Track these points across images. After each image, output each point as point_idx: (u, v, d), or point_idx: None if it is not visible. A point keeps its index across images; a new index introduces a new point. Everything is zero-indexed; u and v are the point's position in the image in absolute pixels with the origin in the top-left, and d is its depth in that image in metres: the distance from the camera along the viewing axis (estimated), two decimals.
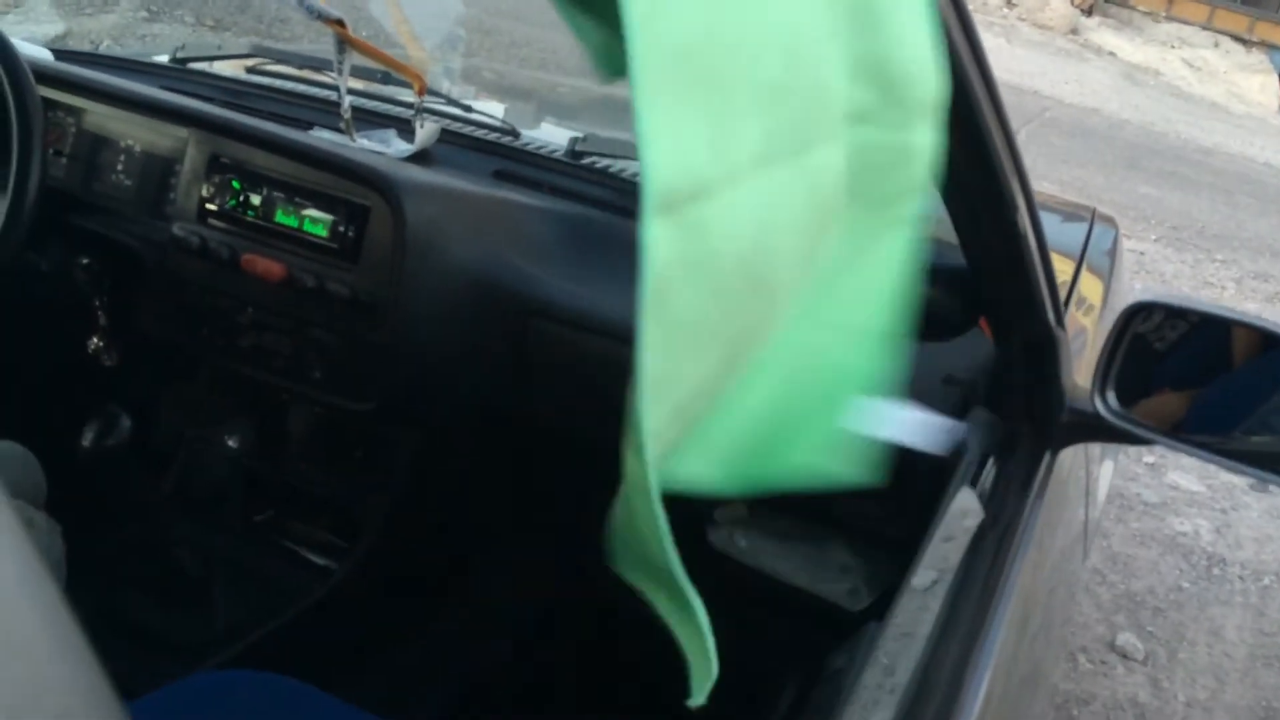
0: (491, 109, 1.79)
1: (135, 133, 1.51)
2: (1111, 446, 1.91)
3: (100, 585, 1.57)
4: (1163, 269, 5.88)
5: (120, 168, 1.53)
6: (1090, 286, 1.84)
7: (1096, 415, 1.09)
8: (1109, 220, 2.21)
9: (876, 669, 0.79)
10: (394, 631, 1.61)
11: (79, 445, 1.64)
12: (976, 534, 0.99)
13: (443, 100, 1.71)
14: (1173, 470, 3.57)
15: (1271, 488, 3.59)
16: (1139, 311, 1.06)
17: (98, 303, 1.54)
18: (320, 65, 1.72)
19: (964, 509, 0.97)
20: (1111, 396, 1.09)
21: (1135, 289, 5.05)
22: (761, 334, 0.58)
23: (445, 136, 1.66)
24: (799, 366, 0.68)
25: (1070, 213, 2.26)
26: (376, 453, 1.60)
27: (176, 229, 1.45)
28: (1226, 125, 11.41)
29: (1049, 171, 7.44)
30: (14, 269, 1.44)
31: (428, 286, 1.37)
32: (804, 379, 0.69)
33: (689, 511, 1.55)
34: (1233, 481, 3.59)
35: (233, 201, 1.43)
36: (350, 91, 1.56)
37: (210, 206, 1.44)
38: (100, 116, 1.54)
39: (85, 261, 1.50)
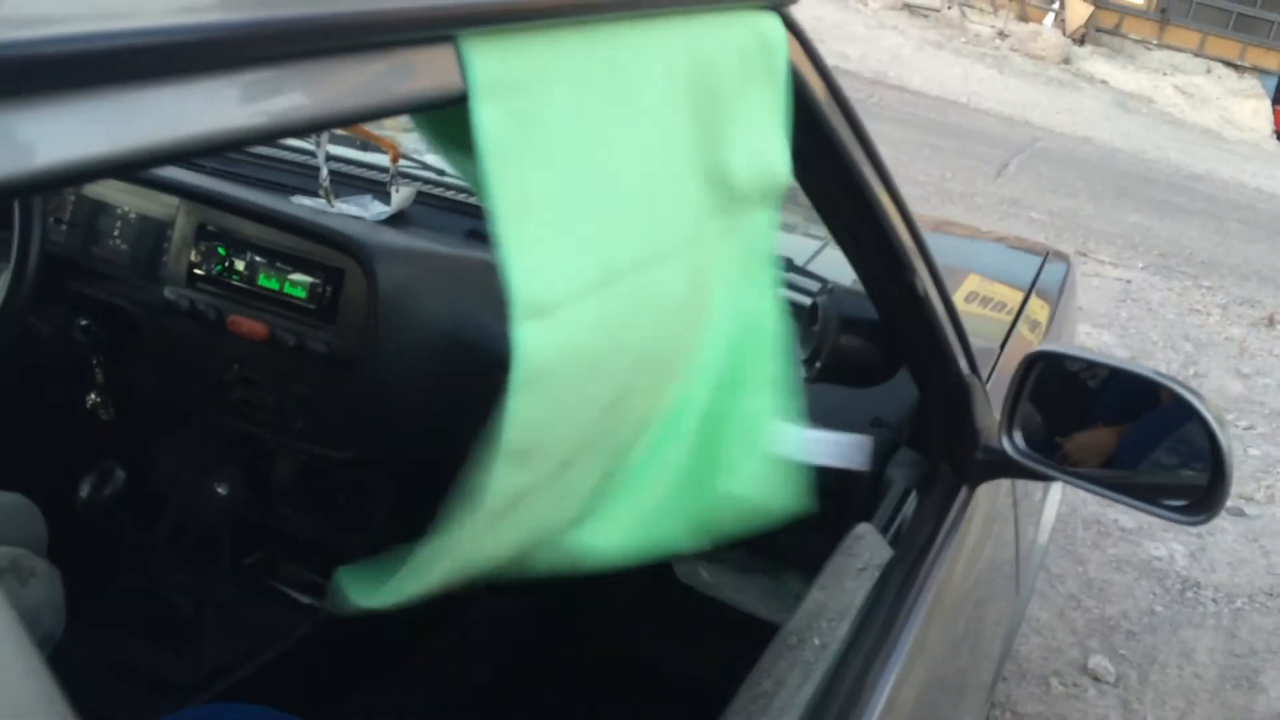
0: None
1: (130, 201, 1.63)
2: None
3: (98, 628, 1.67)
4: (1149, 296, 5.97)
5: (117, 233, 1.64)
6: (1039, 310, 1.95)
7: (1004, 453, 1.19)
8: (1063, 257, 2.32)
9: (775, 680, 0.89)
10: (377, 664, 1.70)
11: (77, 497, 1.74)
12: (891, 560, 1.09)
13: (418, 165, 1.83)
14: None
15: (1248, 510, 3.67)
16: (1036, 360, 1.16)
17: (95, 361, 1.65)
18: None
19: (858, 535, 1.06)
20: (1018, 437, 1.19)
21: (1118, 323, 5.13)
22: (632, 406, 0.68)
23: (421, 199, 1.77)
24: (696, 429, 0.79)
25: (1026, 250, 2.37)
26: (357, 498, 1.70)
27: (168, 292, 1.56)
28: (1219, 151, 11.54)
29: (1038, 201, 7.56)
30: (17, 332, 1.56)
31: (399, 344, 1.48)
32: (704, 439, 0.80)
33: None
34: None
35: (219, 267, 1.54)
36: (330, 159, 1.67)
37: (198, 271, 1.55)
38: (98, 186, 1.66)
39: (84, 323, 1.61)
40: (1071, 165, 9.11)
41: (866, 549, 1.05)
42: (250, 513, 1.75)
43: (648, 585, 1.77)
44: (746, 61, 0.74)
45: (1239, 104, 13.60)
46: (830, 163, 0.95)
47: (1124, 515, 3.51)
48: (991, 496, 1.36)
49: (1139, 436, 1.17)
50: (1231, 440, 1.05)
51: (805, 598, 0.99)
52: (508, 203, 0.53)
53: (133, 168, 0.37)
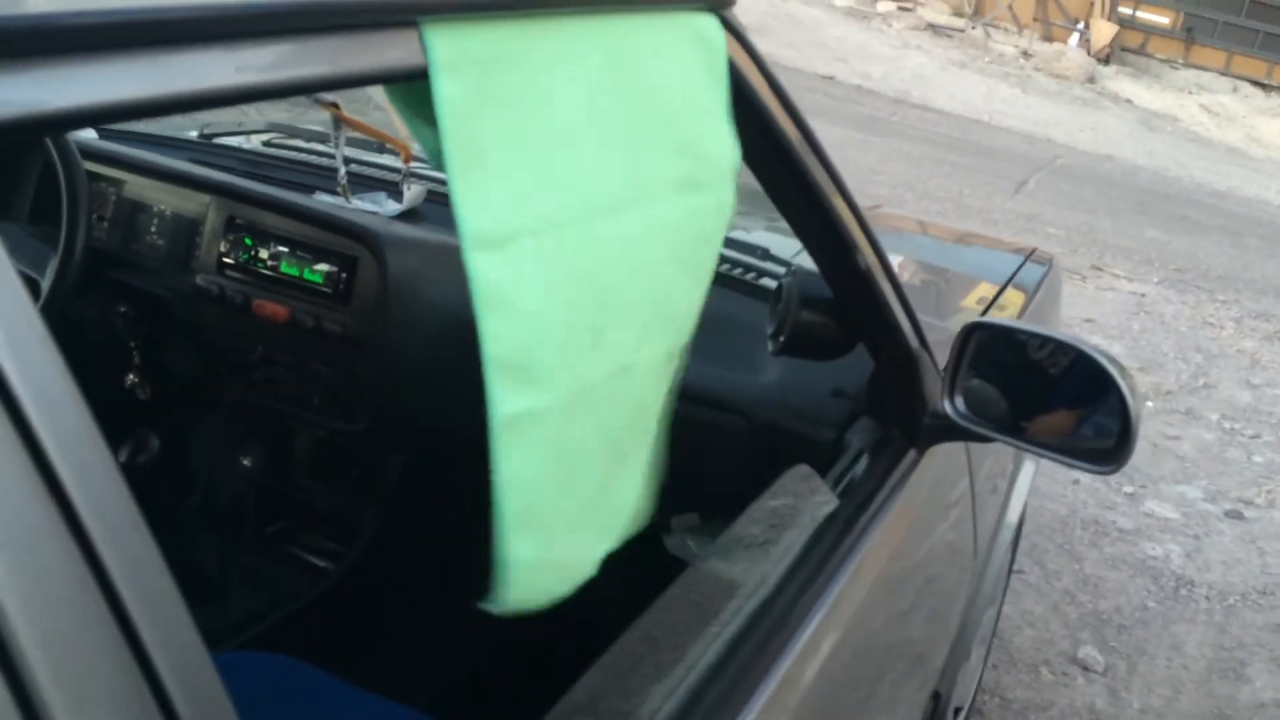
0: None
1: (166, 199, 1.78)
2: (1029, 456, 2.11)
3: None
4: (1162, 310, 6.04)
5: (153, 229, 1.80)
6: (1014, 299, 2.07)
7: (948, 417, 1.32)
8: (1046, 258, 2.43)
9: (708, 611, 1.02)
10: (388, 622, 1.84)
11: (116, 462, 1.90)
12: (835, 509, 1.21)
13: (428, 166, 1.97)
14: (1150, 499, 3.74)
15: (1247, 514, 3.74)
16: (973, 331, 1.28)
17: (133, 344, 1.81)
18: (325, 138, 1.99)
19: (796, 474, 1.19)
20: (959, 401, 1.31)
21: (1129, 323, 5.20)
22: (612, 347, 0.80)
23: (431, 197, 1.92)
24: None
25: (1010, 251, 2.49)
26: (370, 470, 1.84)
27: (199, 280, 1.71)
28: (1243, 169, 11.54)
29: (1056, 217, 7.64)
30: (63, 316, 1.71)
31: (408, 325, 1.62)
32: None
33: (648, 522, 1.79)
34: (1208, 509, 3.75)
35: (245, 256, 1.69)
36: (347, 159, 1.83)
37: (227, 260, 1.70)
38: (137, 186, 1.82)
39: (123, 310, 1.77)
40: (1092, 182, 9.18)
41: (797, 486, 1.17)
42: (273, 484, 1.89)
43: (639, 559, 1.90)
44: (686, 57, 0.88)
45: (1266, 122, 13.60)
46: (773, 151, 1.08)
47: (1123, 517, 3.60)
48: (943, 466, 1.48)
49: (1072, 398, 1.29)
50: (1140, 404, 1.17)
51: (732, 529, 1.11)
52: (460, 157, 0.66)
53: (157, 112, 0.51)
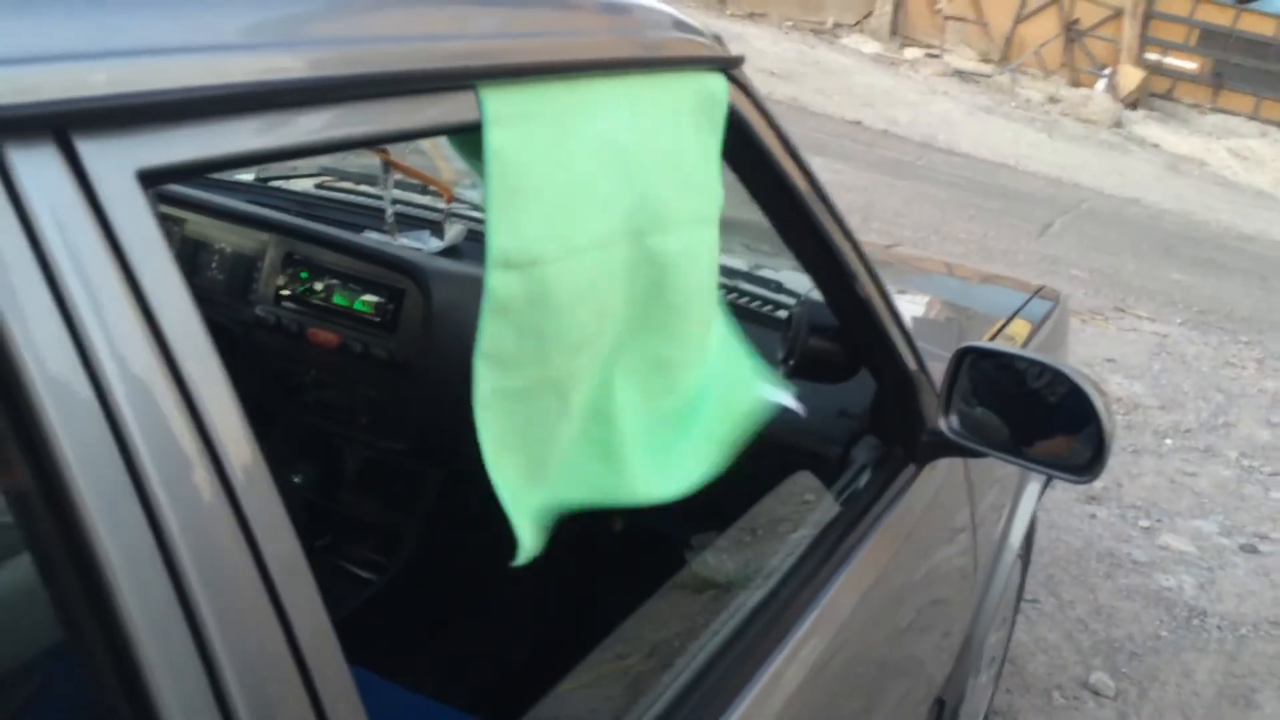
0: None
1: (226, 237, 1.94)
2: (1037, 477, 2.22)
3: None
4: (1184, 350, 6.11)
5: (214, 265, 1.96)
6: (1019, 332, 2.20)
7: (943, 434, 1.44)
8: (1053, 295, 2.55)
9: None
10: (429, 628, 1.97)
11: None
12: (836, 516, 1.34)
13: (468, 206, 2.13)
14: (1166, 533, 3.82)
15: (1261, 547, 3.81)
16: (965, 354, 1.41)
17: None
18: (371, 180, 2.15)
19: (798, 481, 1.31)
20: (954, 419, 1.43)
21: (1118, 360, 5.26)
22: (599, 347, 0.94)
23: (471, 235, 2.08)
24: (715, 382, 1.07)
25: (1016, 287, 2.61)
26: (412, 485, 1.98)
27: (258, 310, 1.87)
28: (1271, 212, 11.56)
29: (1080, 259, 7.72)
30: None
31: (450, 351, 1.76)
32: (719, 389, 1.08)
33: (670, 539, 1.91)
34: (1223, 543, 3.82)
35: (302, 288, 1.84)
36: (394, 200, 1.98)
37: (284, 292, 1.85)
38: (199, 225, 1.98)
39: None
40: (1117, 225, 9.26)
41: (801, 489, 1.30)
42: (320, 499, 2.04)
43: (662, 572, 2.02)
44: (694, 112, 1.03)
45: None
46: (780, 192, 1.22)
47: (1138, 549, 3.67)
48: (943, 480, 1.60)
49: (1054, 415, 1.40)
50: (1115, 421, 1.29)
51: (732, 533, 1.23)
52: (499, 193, 0.80)
53: (271, 159, 0.65)
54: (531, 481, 0.92)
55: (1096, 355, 5.56)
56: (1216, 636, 3.23)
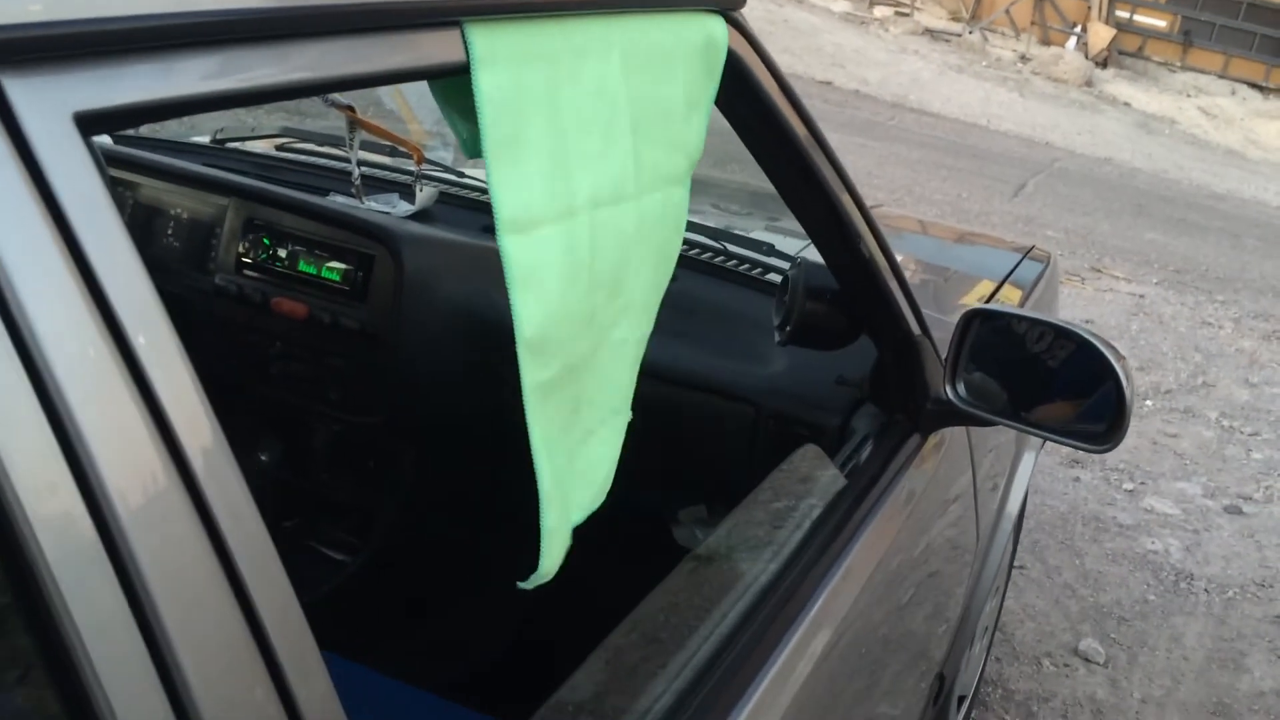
0: (482, 174, 2.10)
1: (182, 203, 1.82)
2: (1033, 445, 2.16)
3: None
4: (1161, 310, 6.08)
5: (170, 232, 1.84)
6: (1011, 295, 2.12)
7: (949, 402, 1.36)
8: (1044, 256, 2.47)
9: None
10: (404, 612, 1.89)
11: None
12: (842, 489, 1.26)
13: (440, 168, 2.02)
14: (1150, 495, 3.78)
15: (1246, 509, 3.78)
16: (974, 317, 1.32)
17: None
18: (338, 142, 2.03)
19: (803, 454, 1.23)
20: (961, 386, 1.35)
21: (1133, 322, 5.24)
22: (596, 323, 0.85)
23: (442, 198, 1.97)
24: None
25: (1009, 249, 2.53)
26: (385, 463, 1.88)
27: (218, 279, 1.76)
28: (1241, 171, 11.59)
29: (1054, 220, 7.68)
30: None
31: (422, 320, 1.67)
32: None
33: (656, 513, 1.82)
34: (1207, 505, 3.79)
35: (264, 255, 1.73)
36: (361, 163, 1.87)
37: (245, 259, 1.74)
38: (154, 190, 1.86)
39: None
40: (1090, 185, 9.23)
41: (808, 464, 1.22)
42: (289, 478, 1.94)
43: (647, 551, 1.94)
44: (691, 56, 0.93)
45: (1263, 124, 13.65)
46: (781, 144, 1.13)
47: (1123, 513, 3.64)
48: (947, 451, 1.52)
49: (1069, 380, 1.33)
50: (1135, 388, 1.21)
51: (740, 509, 1.15)
52: (497, 145, 0.71)
53: (232, 103, 0.55)
54: (568, 491, 0.83)
55: (1074, 316, 5.51)
56: (1204, 600, 3.20)
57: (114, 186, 1.86)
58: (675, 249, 0.97)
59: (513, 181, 0.73)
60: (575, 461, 0.85)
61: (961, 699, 2.24)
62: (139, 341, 0.48)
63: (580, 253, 0.80)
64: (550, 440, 0.80)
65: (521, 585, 0.80)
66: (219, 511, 0.50)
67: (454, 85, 0.71)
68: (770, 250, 1.79)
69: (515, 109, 0.72)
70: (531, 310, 0.75)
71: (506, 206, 0.72)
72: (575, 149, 0.78)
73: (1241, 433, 4.49)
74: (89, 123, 0.48)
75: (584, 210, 0.80)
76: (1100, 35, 14.70)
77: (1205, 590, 3.25)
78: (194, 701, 0.47)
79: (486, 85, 0.69)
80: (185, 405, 0.49)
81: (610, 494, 0.94)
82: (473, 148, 0.74)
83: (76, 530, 0.44)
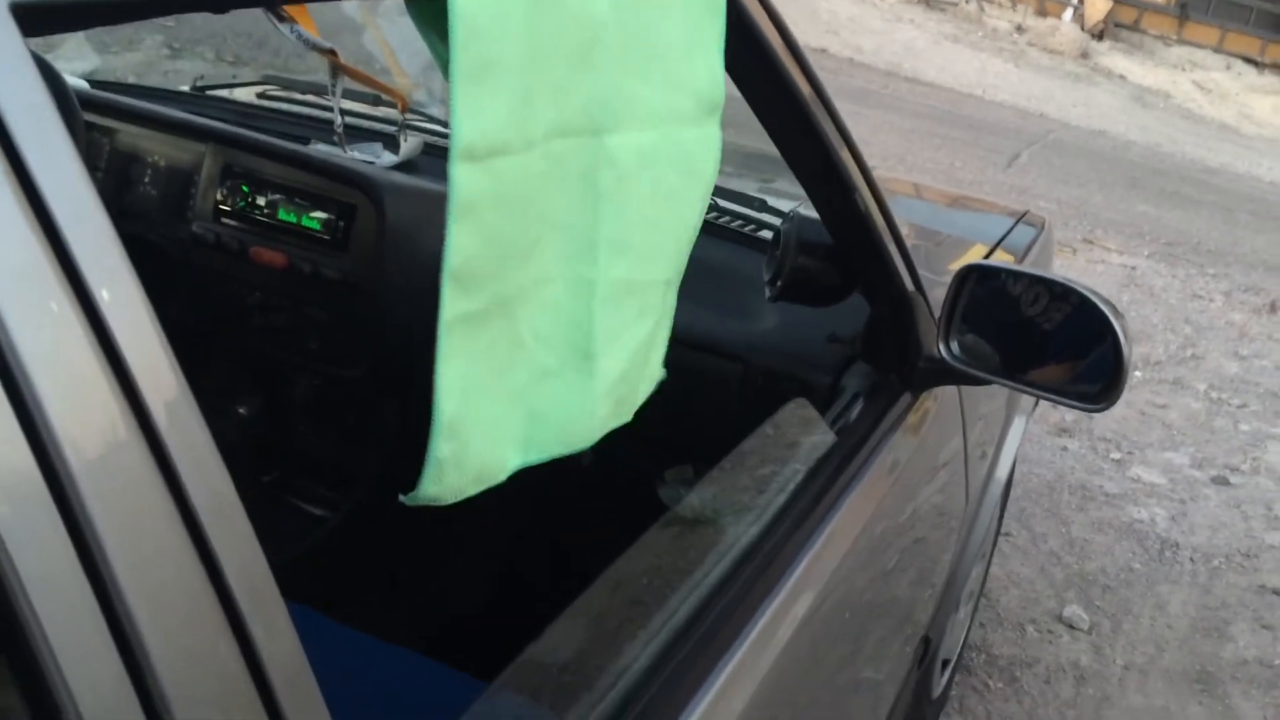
0: None
1: (160, 149, 1.78)
2: (1023, 410, 2.13)
3: None
4: (1152, 282, 6.07)
5: (147, 179, 1.79)
6: (1004, 259, 2.09)
7: (943, 360, 1.33)
8: (1039, 221, 2.44)
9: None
10: (386, 568, 1.86)
11: None
12: (832, 446, 1.23)
13: (425, 118, 1.98)
14: (1137, 465, 3.78)
15: (1232, 480, 3.78)
16: (969, 273, 1.29)
17: None
18: (321, 91, 1.98)
19: (792, 407, 1.20)
20: (954, 344, 1.32)
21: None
22: (540, 262, 0.80)
23: (428, 149, 1.92)
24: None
25: (1003, 213, 2.50)
26: (367, 417, 1.85)
27: (195, 227, 1.71)
28: (1235, 146, 11.56)
29: (1048, 191, 7.65)
30: None
31: (405, 269, 1.63)
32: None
33: (642, 473, 1.79)
34: (1194, 475, 3.79)
35: (242, 203, 1.69)
36: (343, 111, 1.82)
37: (224, 208, 1.70)
38: (131, 136, 1.81)
39: None
40: (1084, 157, 9.19)
41: (797, 419, 1.19)
42: (269, 433, 1.90)
43: (632, 508, 1.91)
44: None
45: (1258, 100, 13.61)
46: (777, 91, 1.09)
47: (1109, 481, 3.63)
48: (938, 411, 1.49)
49: (1065, 339, 1.30)
50: (1132, 346, 1.19)
51: (726, 463, 1.13)
52: (466, 68, 0.67)
53: (189, 7, 0.51)
54: (489, 432, 0.79)
55: None
56: (1189, 569, 3.19)
57: (88, 130, 1.81)
58: (690, 193, 0.92)
59: (477, 108, 0.69)
60: (527, 401, 0.81)
61: (945, 663, 2.23)
62: (88, 267, 0.44)
63: (531, 183, 0.75)
64: (470, 376, 0.75)
65: (402, 499, 0.76)
66: (179, 460, 0.47)
67: (432, 6, 0.68)
68: (763, 206, 1.75)
69: (490, 31, 0.68)
70: (463, 241, 0.70)
71: (465, 133, 0.68)
72: (555, 81, 0.75)
73: (1230, 405, 4.49)
74: (29, 18, 0.44)
75: (542, 141, 0.75)
76: (1097, 7, 14.60)
77: (1190, 559, 3.24)
78: (148, 654, 0.45)
79: (462, 3, 0.65)
80: (145, 350, 0.46)
81: (594, 451, 0.91)
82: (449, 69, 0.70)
83: (21, 478, 0.41)
